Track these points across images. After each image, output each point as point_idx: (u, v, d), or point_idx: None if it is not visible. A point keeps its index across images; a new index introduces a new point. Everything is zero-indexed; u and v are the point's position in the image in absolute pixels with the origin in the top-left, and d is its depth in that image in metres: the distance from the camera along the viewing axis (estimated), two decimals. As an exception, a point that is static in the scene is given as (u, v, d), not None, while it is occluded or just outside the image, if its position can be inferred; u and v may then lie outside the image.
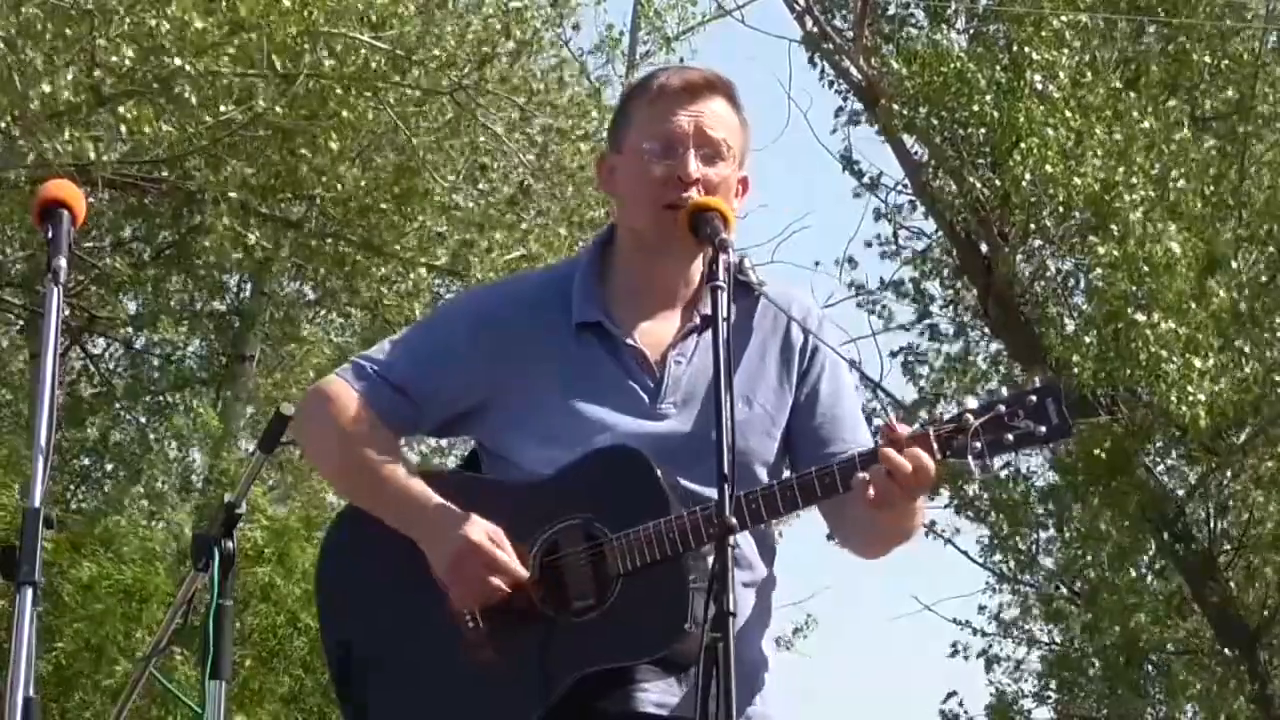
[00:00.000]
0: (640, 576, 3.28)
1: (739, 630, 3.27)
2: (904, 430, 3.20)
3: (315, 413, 3.61)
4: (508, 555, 3.35)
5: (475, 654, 3.39)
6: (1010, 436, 3.15)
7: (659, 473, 3.30)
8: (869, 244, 16.77)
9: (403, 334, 3.66)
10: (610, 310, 3.48)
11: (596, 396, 3.42)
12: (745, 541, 3.41)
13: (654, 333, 3.47)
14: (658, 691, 3.33)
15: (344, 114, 11.20)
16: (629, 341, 3.45)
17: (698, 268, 3.48)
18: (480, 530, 3.36)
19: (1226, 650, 15.95)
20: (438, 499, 3.42)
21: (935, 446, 3.18)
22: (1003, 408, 3.17)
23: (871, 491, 3.19)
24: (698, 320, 3.45)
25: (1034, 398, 3.16)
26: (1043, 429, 3.14)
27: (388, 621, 3.49)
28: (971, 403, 3.20)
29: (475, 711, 3.40)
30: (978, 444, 3.16)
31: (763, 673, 3.46)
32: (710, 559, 3.09)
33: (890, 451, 3.17)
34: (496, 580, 3.34)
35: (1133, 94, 14.60)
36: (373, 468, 3.48)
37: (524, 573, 3.34)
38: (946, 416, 3.21)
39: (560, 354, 3.45)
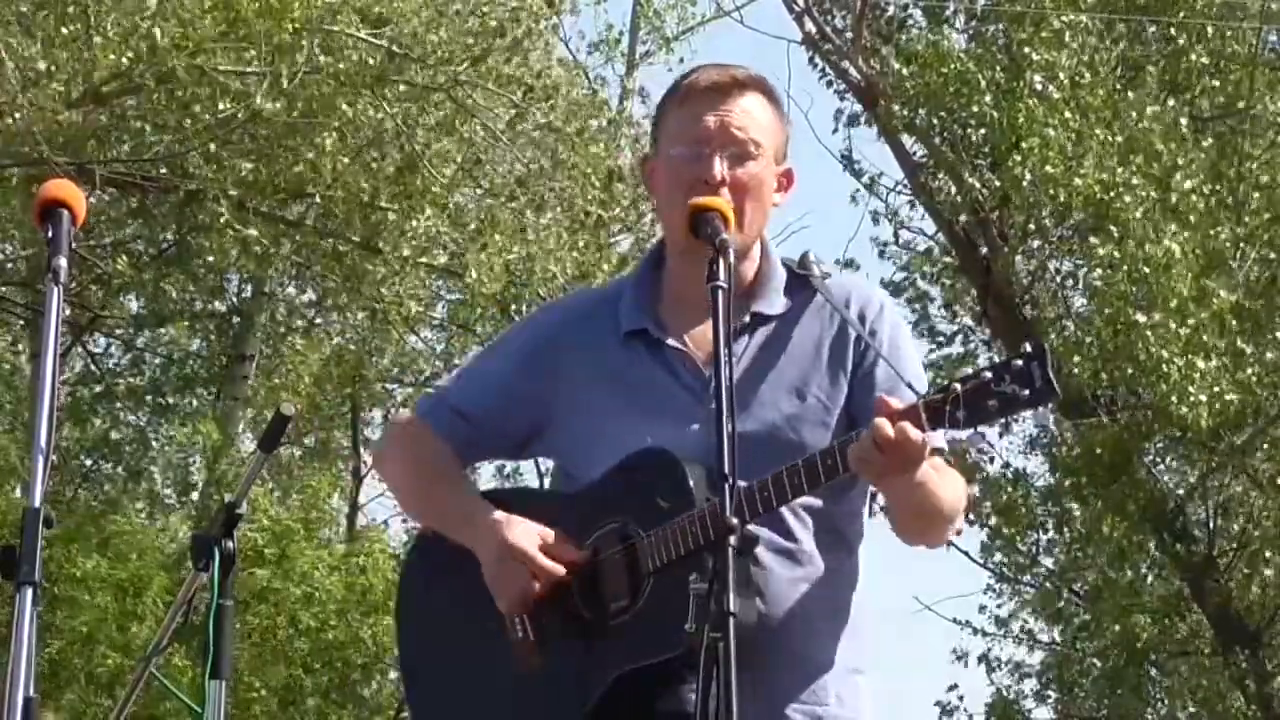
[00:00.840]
0: (668, 574, 3.30)
1: (790, 625, 3.34)
2: (895, 404, 3.19)
3: (388, 446, 3.79)
4: (544, 555, 3.40)
5: (526, 662, 3.45)
6: (994, 402, 3.13)
7: (685, 469, 3.31)
8: (878, 250, 16.68)
9: (468, 360, 3.76)
10: (659, 316, 3.51)
11: (644, 403, 3.45)
12: (804, 535, 3.41)
13: (702, 334, 3.45)
14: None
15: (343, 107, 11.21)
16: (674, 345, 3.48)
17: (749, 266, 3.49)
18: (520, 532, 3.43)
19: (1227, 650, 15.93)
20: (493, 509, 3.49)
21: (924, 417, 3.17)
22: (988, 374, 3.16)
23: (862, 465, 3.19)
24: (747, 319, 3.46)
25: (1019, 362, 3.14)
26: (1026, 392, 3.12)
27: (453, 636, 3.58)
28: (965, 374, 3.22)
29: (524, 718, 3.46)
30: (962, 412, 3.15)
31: (826, 674, 3.42)
32: (745, 552, 3.14)
33: (880, 422, 3.16)
34: (536, 582, 3.40)
35: (1131, 94, 14.58)
36: (437, 490, 3.60)
37: (557, 569, 3.39)
38: (935, 388, 3.21)
39: (608, 365, 3.50)
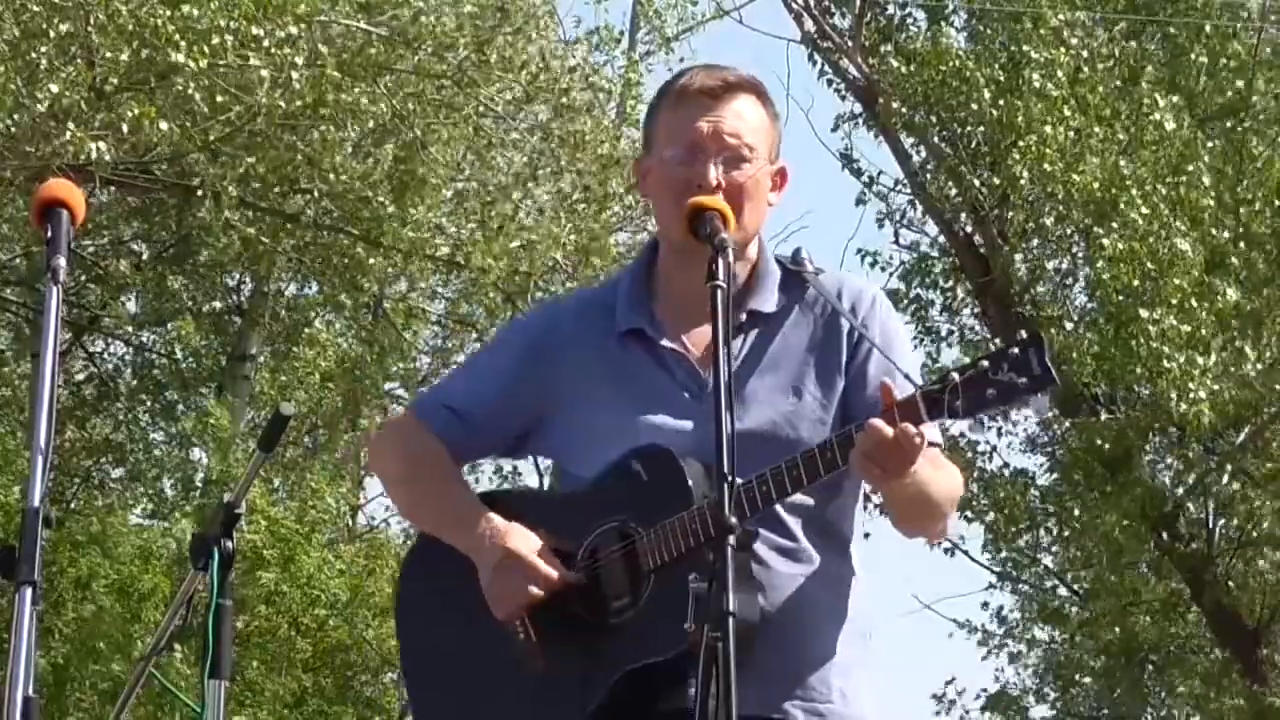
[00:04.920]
0: (669, 571, 3.31)
1: (790, 621, 3.35)
2: (895, 393, 3.21)
3: (384, 445, 3.79)
4: (542, 562, 3.40)
5: (529, 664, 3.45)
6: (992, 390, 3.15)
7: (684, 467, 3.33)
8: (867, 259, 16.59)
9: (464, 362, 3.75)
10: (655, 315, 3.53)
11: (642, 402, 3.47)
12: (801, 534, 3.43)
13: (700, 334, 3.49)
14: None
15: (343, 97, 11.21)
16: (670, 345, 3.50)
17: (743, 266, 3.51)
18: (518, 538, 3.43)
19: (1225, 650, 15.94)
20: (487, 514, 3.49)
21: (922, 408, 3.18)
22: (986, 363, 3.17)
23: (861, 464, 3.21)
24: (744, 318, 3.49)
25: (1016, 350, 3.16)
26: (1024, 380, 3.13)
27: (454, 637, 3.58)
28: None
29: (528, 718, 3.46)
30: (960, 402, 3.16)
31: (826, 670, 3.43)
32: (746, 547, 3.17)
33: (875, 421, 3.18)
34: (531, 588, 3.40)
35: (1133, 91, 14.58)
36: (433, 492, 3.59)
37: (555, 575, 3.40)
38: (933, 379, 3.22)
39: (605, 363, 3.52)
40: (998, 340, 16.30)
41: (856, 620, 3.50)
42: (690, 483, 3.32)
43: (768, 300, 3.50)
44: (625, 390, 3.48)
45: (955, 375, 3.17)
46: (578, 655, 3.39)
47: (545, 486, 3.92)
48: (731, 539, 3.04)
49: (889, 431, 3.16)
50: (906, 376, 3.31)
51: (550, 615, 3.42)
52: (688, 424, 3.43)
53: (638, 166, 3.64)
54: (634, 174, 3.69)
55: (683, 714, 3.28)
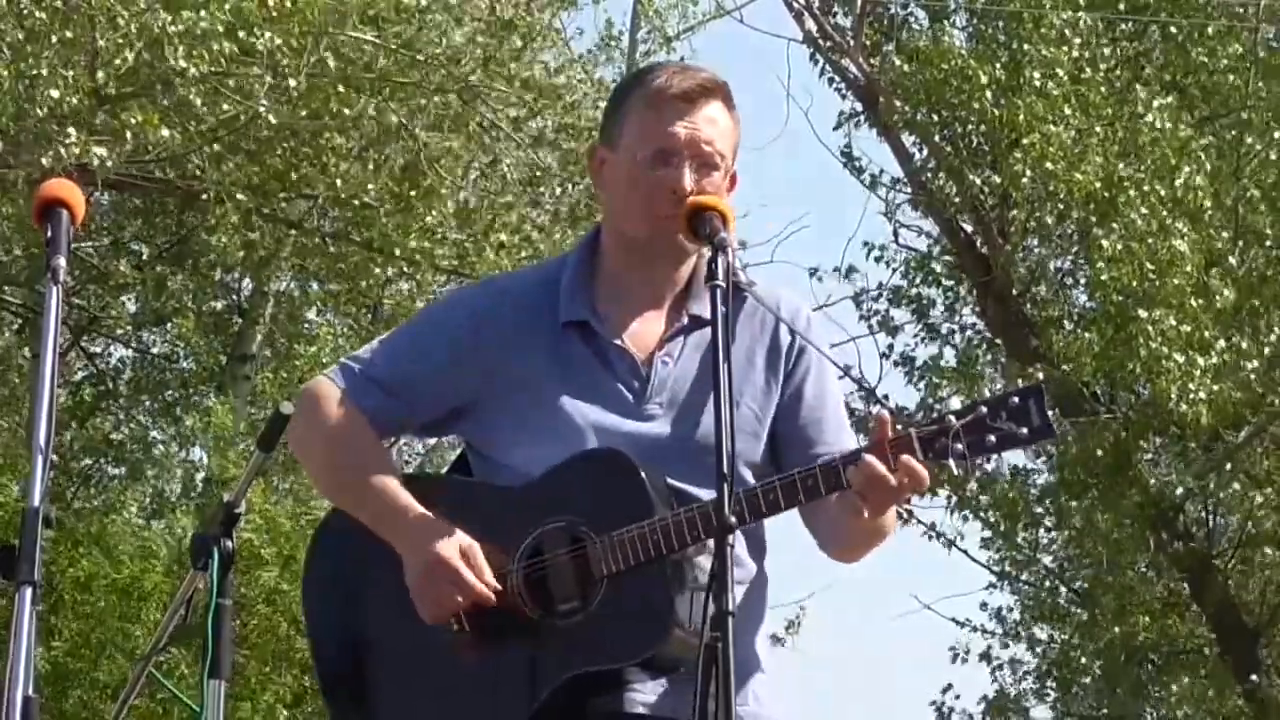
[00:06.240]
0: (625, 579, 3.28)
1: (735, 629, 3.31)
2: (890, 432, 3.22)
3: (302, 413, 3.62)
4: (475, 573, 3.34)
5: (460, 657, 3.39)
6: (992, 438, 3.17)
7: (643, 475, 3.31)
8: (875, 257, 16.52)
9: (391, 333, 3.67)
10: (598, 309, 3.49)
11: (582, 396, 3.43)
12: (736, 539, 3.39)
13: (641, 333, 3.48)
14: (647, 692, 3.34)
15: (346, 111, 11.21)
16: (615, 342, 3.47)
17: (686, 269, 3.51)
18: (453, 545, 3.36)
19: (1225, 650, 15.93)
20: (418, 507, 3.42)
21: (917, 448, 3.20)
22: (984, 409, 3.19)
23: (859, 497, 3.22)
24: (686, 320, 3.48)
25: (1016, 399, 3.18)
26: (1024, 430, 3.17)
27: (373, 624, 3.50)
28: (955, 404, 3.25)
29: (462, 714, 3.40)
30: (959, 445, 3.18)
31: (755, 672, 3.45)
32: (698, 559, 3.18)
33: (872, 459, 3.20)
34: (459, 597, 3.34)
35: (1134, 91, 14.58)
36: (356, 470, 3.49)
37: (488, 594, 3.34)
38: (929, 419, 3.24)
39: (546, 353, 3.46)
40: (999, 341, 16.33)
41: (766, 622, 3.53)
42: (651, 493, 3.29)
43: (708, 305, 3.46)
44: (566, 384, 3.44)
45: (953, 419, 3.19)
46: (518, 653, 3.35)
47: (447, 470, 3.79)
48: (732, 539, 3.05)
49: (882, 469, 3.18)
50: (858, 382, 3.34)
51: (489, 609, 3.36)
52: (630, 423, 3.40)
53: (594, 154, 3.59)
54: (589, 161, 3.64)
55: (617, 716, 3.31)
